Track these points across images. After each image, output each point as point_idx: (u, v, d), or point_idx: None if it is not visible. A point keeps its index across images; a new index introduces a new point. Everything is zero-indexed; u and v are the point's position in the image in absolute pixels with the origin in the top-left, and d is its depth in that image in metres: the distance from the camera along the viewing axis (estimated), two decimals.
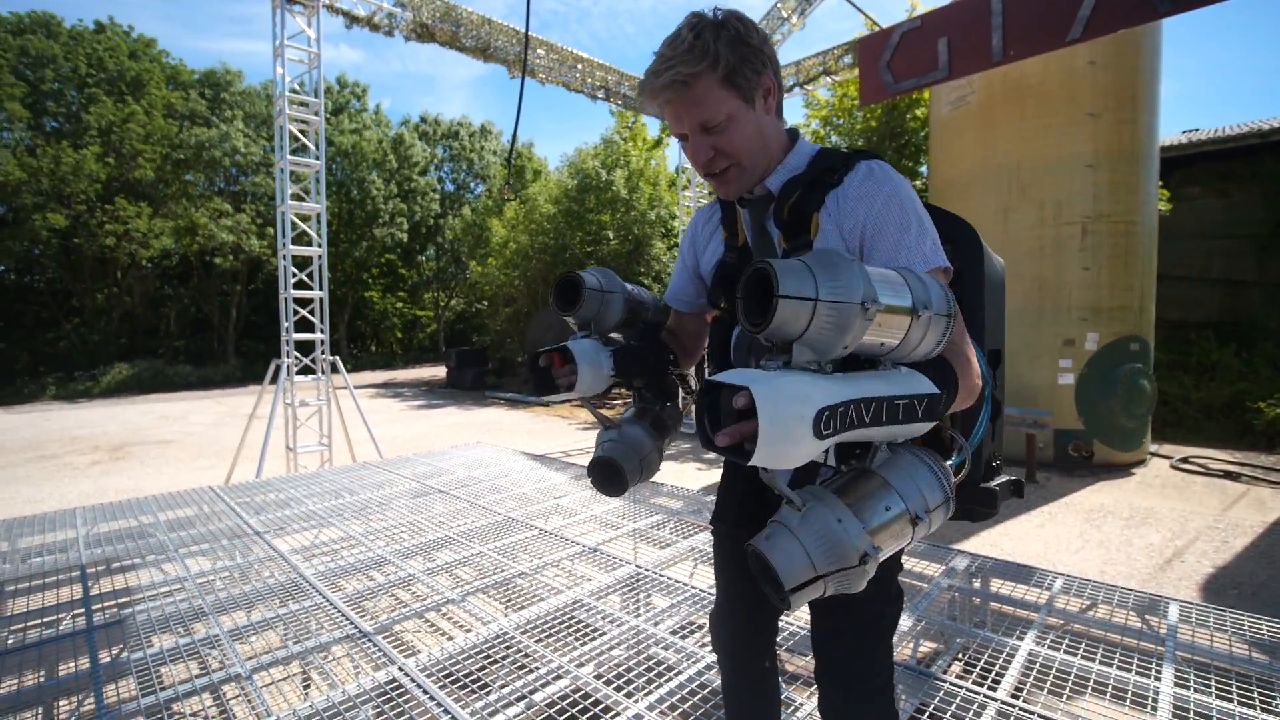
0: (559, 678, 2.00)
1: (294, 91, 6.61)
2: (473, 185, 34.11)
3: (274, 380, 6.62)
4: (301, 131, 6.72)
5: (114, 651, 2.18)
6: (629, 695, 1.89)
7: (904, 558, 2.93)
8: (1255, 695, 1.85)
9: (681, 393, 1.41)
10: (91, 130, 21.98)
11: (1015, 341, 7.27)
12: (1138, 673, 1.96)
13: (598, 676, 2.02)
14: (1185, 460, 7.38)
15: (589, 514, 3.63)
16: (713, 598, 1.40)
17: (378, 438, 7.25)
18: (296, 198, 6.85)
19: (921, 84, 7.12)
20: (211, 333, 27.13)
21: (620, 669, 2.07)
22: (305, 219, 6.89)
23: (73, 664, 2.10)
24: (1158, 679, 1.92)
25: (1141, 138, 7.02)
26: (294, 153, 6.74)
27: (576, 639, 2.26)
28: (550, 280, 19.06)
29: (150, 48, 25.10)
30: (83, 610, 2.46)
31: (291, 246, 6.51)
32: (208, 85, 26.06)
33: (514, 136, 4.55)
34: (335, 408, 7.04)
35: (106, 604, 2.54)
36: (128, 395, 20.22)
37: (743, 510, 1.32)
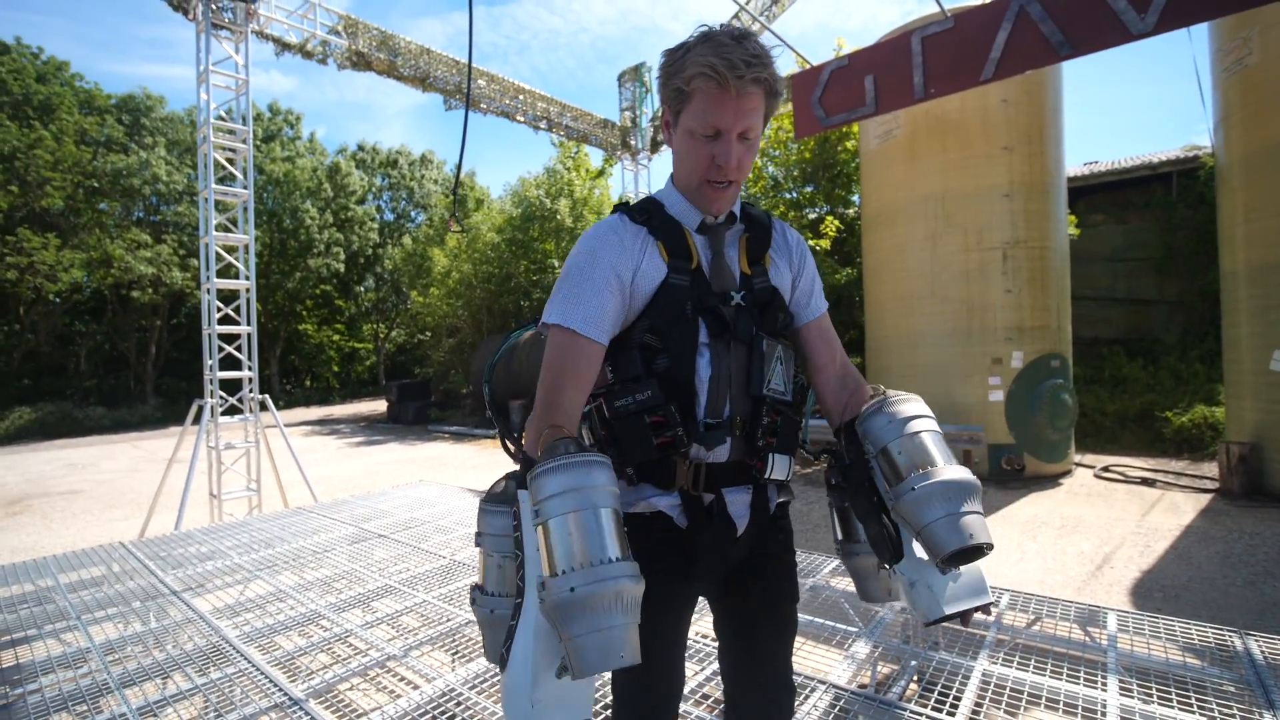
0: None
1: (220, 119, 6.33)
2: (413, 214, 33.47)
3: (196, 421, 6.19)
4: (229, 160, 6.43)
5: None
6: None
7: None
8: (1193, 699, 1.92)
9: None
10: None
11: (948, 360, 7.62)
12: (1085, 684, 2.01)
13: None
14: (1106, 469, 7.83)
15: None
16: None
17: (313, 479, 6.86)
18: (223, 228, 6.51)
19: (851, 118, 7.44)
20: (128, 371, 25.28)
21: None
22: (231, 250, 6.56)
23: None
24: (1104, 689, 1.98)
25: (1050, 169, 7.57)
26: (220, 181, 6.43)
27: None
28: (495, 309, 18.80)
29: (62, 71, 23.69)
30: None
31: (217, 280, 6.16)
32: (125, 110, 24.73)
33: (458, 168, 4.48)
34: (265, 449, 6.63)
35: None
36: (30, 441, 18.52)
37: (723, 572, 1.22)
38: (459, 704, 2.03)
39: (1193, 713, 1.86)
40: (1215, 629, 2.30)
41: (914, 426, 1.04)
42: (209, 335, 6.13)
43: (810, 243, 11.61)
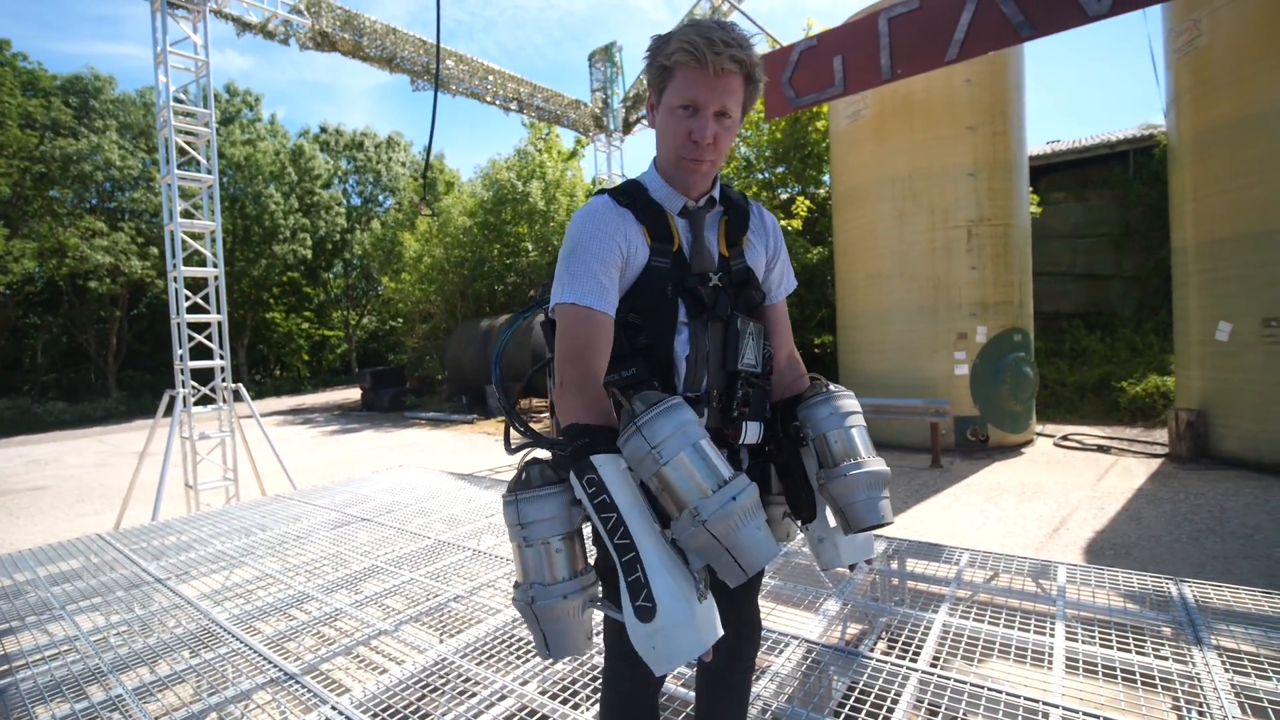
0: (503, 698, 1.97)
1: (179, 100, 6.15)
2: (381, 198, 32.80)
3: (168, 413, 6.10)
4: (189, 144, 6.26)
5: None
6: (575, 707, 1.90)
7: None
8: (1130, 641, 2.10)
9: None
10: None
11: (916, 336, 7.84)
12: (1035, 632, 2.18)
13: (542, 692, 2.01)
14: (1065, 438, 8.18)
15: None
16: None
17: (290, 468, 6.82)
18: (187, 215, 6.36)
19: (820, 99, 7.55)
20: (88, 364, 24.54)
21: (565, 681, 2.07)
22: (197, 237, 6.41)
23: None
24: (1051, 635, 2.14)
25: (1013, 148, 7.77)
26: (182, 166, 6.27)
27: (518, 657, 2.23)
28: (468, 294, 18.60)
29: (2, 49, 22.53)
30: None
31: (184, 267, 6.03)
32: (73, 92, 23.62)
33: (428, 151, 4.45)
34: (240, 439, 6.57)
35: None
36: None
37: None
38: (449, 673, 2.11)
39: (1130, 652, 2.03)
40: (1154, 577, 2.50)
41: (850, 421, 1.23)
42: (178, 324, 6.02)
43: (782, 223, 11.75)
